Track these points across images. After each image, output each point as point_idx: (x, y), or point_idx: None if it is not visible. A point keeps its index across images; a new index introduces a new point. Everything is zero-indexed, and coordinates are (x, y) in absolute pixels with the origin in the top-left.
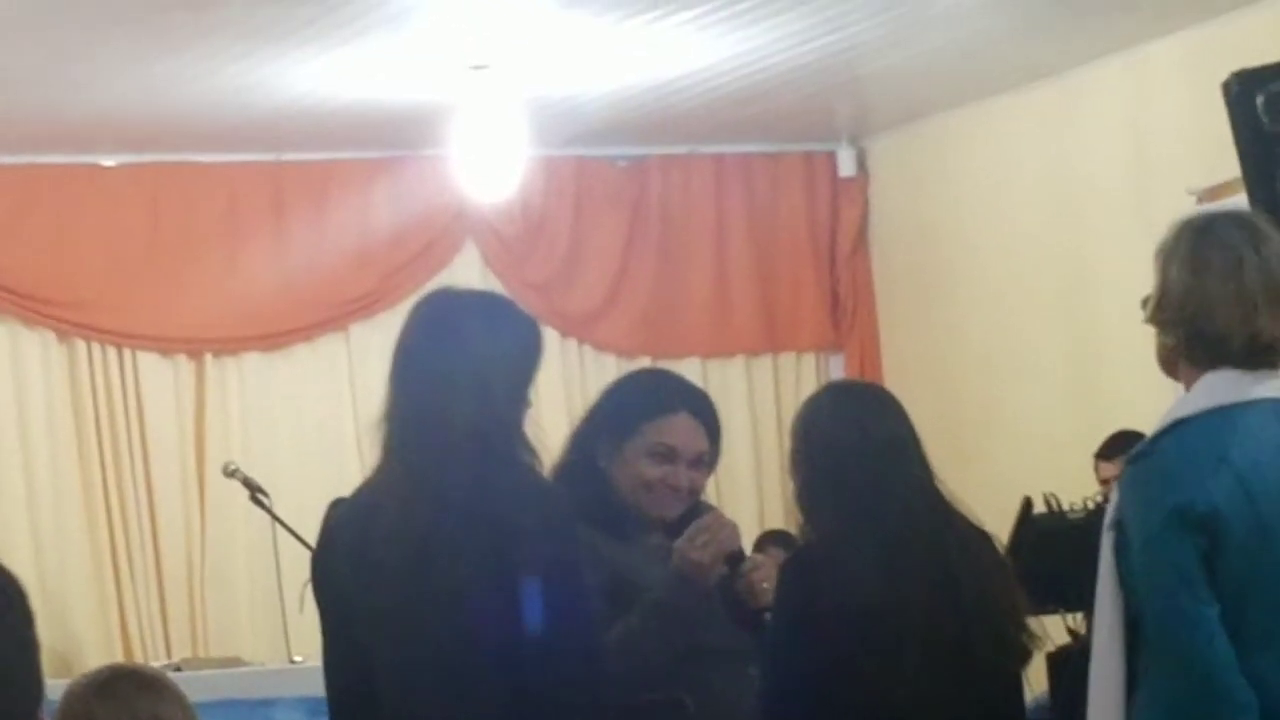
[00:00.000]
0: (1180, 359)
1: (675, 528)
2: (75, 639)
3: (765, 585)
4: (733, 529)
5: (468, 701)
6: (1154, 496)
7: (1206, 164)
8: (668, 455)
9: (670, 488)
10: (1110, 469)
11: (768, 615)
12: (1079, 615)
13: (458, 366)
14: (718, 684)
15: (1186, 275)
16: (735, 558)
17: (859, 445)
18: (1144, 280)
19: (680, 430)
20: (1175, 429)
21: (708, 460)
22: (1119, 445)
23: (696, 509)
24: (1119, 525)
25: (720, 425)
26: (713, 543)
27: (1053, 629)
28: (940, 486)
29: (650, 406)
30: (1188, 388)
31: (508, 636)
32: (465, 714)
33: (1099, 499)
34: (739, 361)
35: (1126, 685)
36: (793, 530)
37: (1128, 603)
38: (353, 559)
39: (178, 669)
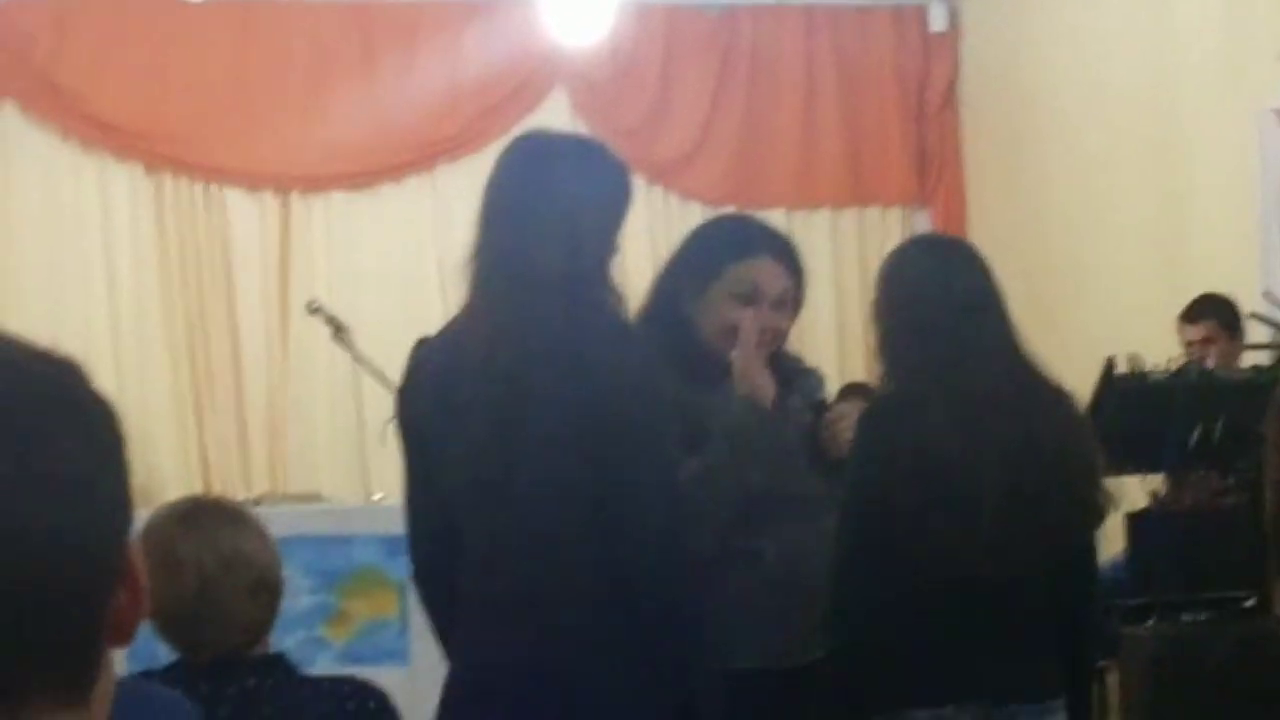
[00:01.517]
0: None
1: None
2: (156, 472)
3: (848, 435)
4: (818, 377)
5: (551, 544)
6: None
7: None
8: (750, 296)
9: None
10: (1194, 331)
11: None
12: (1159, 476)
13: (548, 209)
14: (795, 532)
15: None
16: (819, 407)
17: (943, 298)
18: (1234, 142)
19: (763, 271)
20: None
21: (790, 302)
22: (1203, 308)
23: (785, 359)
24: None
25: (803, 269)
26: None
27: (1131, 490)
28: (1022, 344)
29: (733, 249)
30: None
31: (593, 480)
32: (548, 557)
33: (1182, 361)
34: (824, 214)
35: None
36: (873, 383)
37: None
38: (438, 398)
39: (256, 504)
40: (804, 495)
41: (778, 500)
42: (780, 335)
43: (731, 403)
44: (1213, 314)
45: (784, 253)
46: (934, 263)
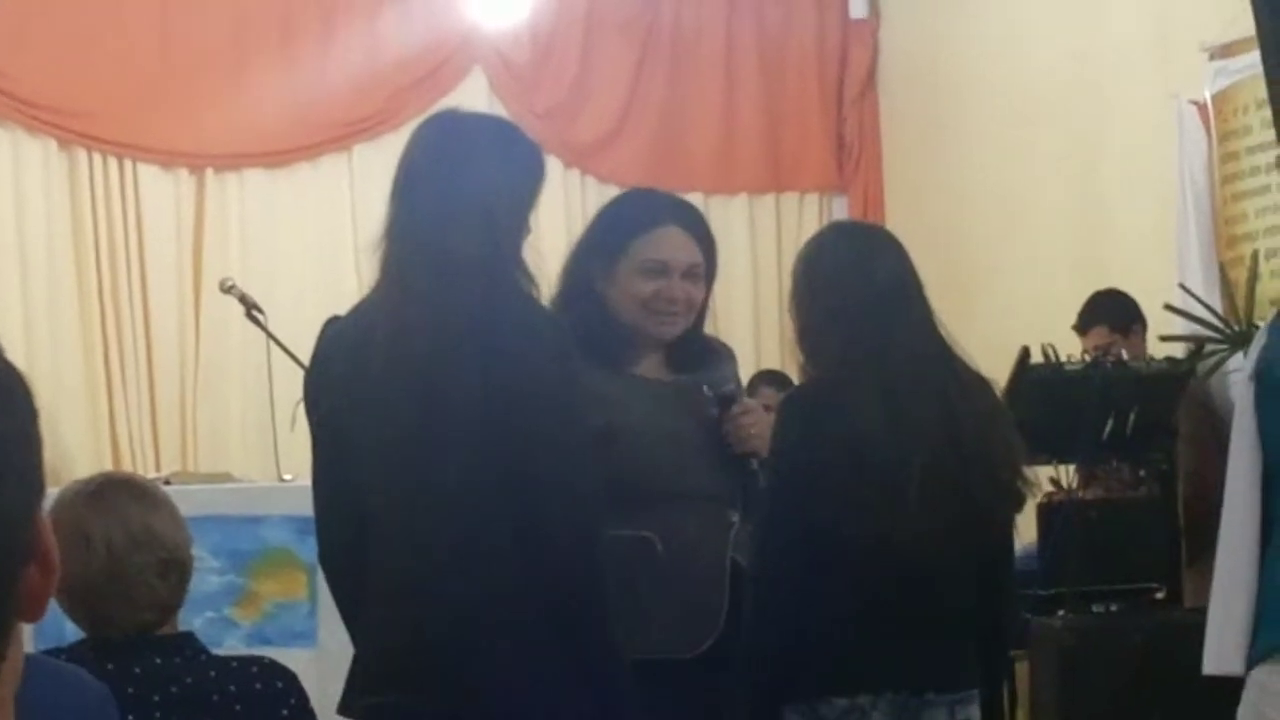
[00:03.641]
0: None
1: (675, 354)
2: (66, 450)
3: (753, 431)
4: (731, 369)
5: (461, 529)
6: None
7: (1223, 19)
8: (660, 270)
9: (666, 300)
10: (1088, 341)
11: (753, 461)
12: (1070, 467)
13: (461, 189)
14: (694, 527)
15: None
16: (727, 400)
17: (861, 286)
18: (1154, 133)
19: (670, 243)
20: None
21: (702, 273)
22: (1092, 315)
23: (705, 342)
24: (1259, 377)
25: (712, 237)
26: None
27: (1041, 480)
28: (941, 329)
29: (638, 223)
30: None
31: (502, 468)
32: (458, 541)
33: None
34: (742, 199)
35: (1261, 533)
36: (788, 371)
37: (1265, 453)
38: (347, 380)
39: (167, 482)
40: (705, 491)
41: (671, 494)
42: (693, 306)
43: (645, 406)
44: (1103, 319)
45: (690, 221)
46: (854, 250)
